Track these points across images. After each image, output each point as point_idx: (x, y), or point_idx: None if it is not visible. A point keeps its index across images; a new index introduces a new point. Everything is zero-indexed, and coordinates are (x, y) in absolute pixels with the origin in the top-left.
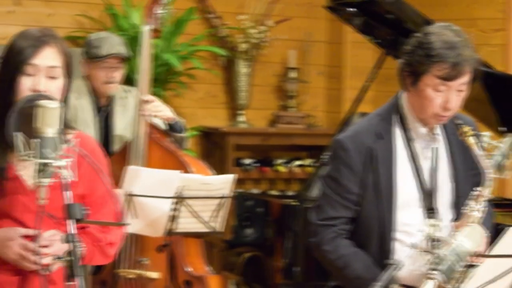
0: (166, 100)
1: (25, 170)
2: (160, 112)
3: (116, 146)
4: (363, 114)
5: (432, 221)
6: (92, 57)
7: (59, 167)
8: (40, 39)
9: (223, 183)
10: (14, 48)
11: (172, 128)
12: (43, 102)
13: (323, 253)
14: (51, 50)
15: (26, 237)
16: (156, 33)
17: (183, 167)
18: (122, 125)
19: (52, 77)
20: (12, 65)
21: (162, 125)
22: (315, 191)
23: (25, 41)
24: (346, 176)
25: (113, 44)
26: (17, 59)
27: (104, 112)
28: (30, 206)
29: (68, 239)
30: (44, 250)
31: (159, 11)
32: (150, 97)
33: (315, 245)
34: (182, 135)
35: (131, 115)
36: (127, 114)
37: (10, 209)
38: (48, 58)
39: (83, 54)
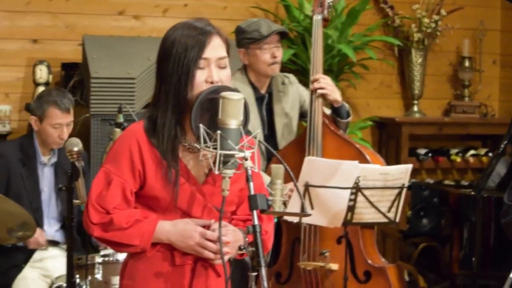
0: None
1: (193, 162)
2: (330, 90)
3: (279, 133)
4: None
5: None
6: (254, 40)
7: (243, 158)
8: (205, 30)
9: (401, 173)
10: (180, 43)
11: (337, 113)
12: (226, 93)
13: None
14: (217, 41)
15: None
16: (326, 22)
17: (360, 157)
18: (283, 112)
19: (222, 67)
20: (185, 61)
21: (326, 112)
22: (492, 180)
23: (190, 36)
24: None
25: (270, 24)
26: (189, 54)
27: (264, 101)
28: (197, 199)
29: (253, 230)
30: (223, 239)
31: (328, 0)
32: (322, 75)
33: (506, 224)
34: (346, 121)
35: (292, 101)
36: (287, 100)
37: (179, 200)
38: (217, 49)
39: (242, 43)
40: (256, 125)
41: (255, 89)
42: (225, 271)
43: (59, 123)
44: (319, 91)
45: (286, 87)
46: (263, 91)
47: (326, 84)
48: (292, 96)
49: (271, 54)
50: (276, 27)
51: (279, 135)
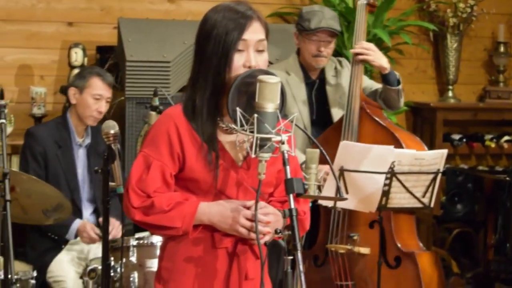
0: (374, 76)
1: (230, 144)
2: (372, 55)
3: (335, 118)
4: None
5: None
6: (302, 30)
7: (279, 142)
8: (246, 14)
9: (436, 158)
10: (221, 25)
11: (387, 80)
12: (264, 77)
13: None
14: (257, 23)
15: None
16: (371, 7)
17: (395, 143)
18: (336, 96)
19: (260, 51)
20: (224, 43)
21: (375, 85)
22: None
23: (232, 19)
24: None
25: (324, 18)
26: (228, 36)
27: (315, 86)
28: (236, 181)
29: (289, 213)
30: (263, 218)
31: None
32: (364, 42)
33: None
34: (398, 88)
35: (345, 85)
36: (341, 84)
37: (218, 182)
38: (256, 32)
39: (296, 26)
40: (303, 110)
41: (306, 73)
42: (260, 253)
43: (100, 94)
44: (359, 56)
45: (339, 72)
46: (314, 76)
47: (367, 50)
48: (345, 79)
49: (317, 47)
50: (326, 24)
51: (335, 120)
